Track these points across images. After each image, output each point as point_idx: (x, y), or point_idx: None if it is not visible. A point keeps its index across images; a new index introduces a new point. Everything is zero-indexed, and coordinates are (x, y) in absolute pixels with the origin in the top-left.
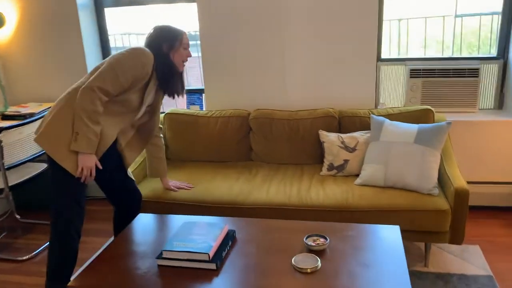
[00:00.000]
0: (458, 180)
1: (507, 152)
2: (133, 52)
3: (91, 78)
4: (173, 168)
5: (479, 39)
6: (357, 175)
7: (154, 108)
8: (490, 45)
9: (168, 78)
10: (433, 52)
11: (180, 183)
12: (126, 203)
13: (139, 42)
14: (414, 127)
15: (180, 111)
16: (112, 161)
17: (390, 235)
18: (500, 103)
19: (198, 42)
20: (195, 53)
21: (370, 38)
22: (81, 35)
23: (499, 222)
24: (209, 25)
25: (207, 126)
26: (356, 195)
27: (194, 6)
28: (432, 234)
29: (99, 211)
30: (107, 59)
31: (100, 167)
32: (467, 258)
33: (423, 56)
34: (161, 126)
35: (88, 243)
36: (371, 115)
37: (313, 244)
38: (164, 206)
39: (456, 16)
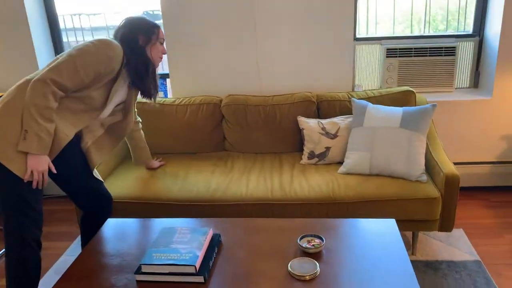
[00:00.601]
0: (448, 166)
1: (484, 131)
2: (99, 44)
3: (46, 69)
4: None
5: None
6: (339, 163)
7: (127, 107)
8: (465, 22)
9: (143, 75)
10: (403, 29)
11: (157, 161)
12: (94, 207)
13: (91, 23)
14: (398, 111)
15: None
16: (75, 161)
17: (386, 230)
18: (475, 82)
19: (160, 21)
20: None
21: (347, 16)
22: (26, 16)
23: (479, 203)
24: (173, 3)
25: (175, 115)
26: (341, 185)
27: None
28: (421, 223)
29: (58, 211)
30: (68, 49)
31: (54, 170)
32: (453, 243)
33: (398, 35)
34: (139, 119)
35: (48, 249)
36: (352, 99)
37: (308, 246)
38: (135, 207)
39: None
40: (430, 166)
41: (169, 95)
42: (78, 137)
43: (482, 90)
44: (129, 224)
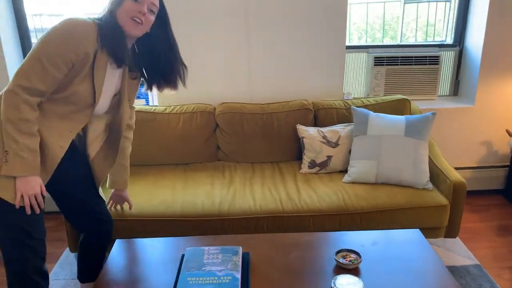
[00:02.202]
0: (453, 173)
1: (466, 137)
2: (61, 28)
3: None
4: (132, 176)
5: (431, 26)
6: (341, 172)
7: (121, 96)
8: (447, 33)
9: (115, 47)
10: (388, 39)
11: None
12: (94, 228)
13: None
14: (401, 119)
15: (136, 107)
16: (77, 172)
17: (414, 240)
18: (455, 90)
19: None
20: None
21: (339, 24)
22: None
23: (466, 207)
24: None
25: (167, 124)
26: (351, 195)
27: None
28: (429, 230)
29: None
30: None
31: (45, 193)
32: (450, 248)
33: (384, 43)
34: (133, 124)
35: None
36: (352, 107)
37: (346, 261)
38: (135, 225)
39: (405, 2)
40: (434, 174)
41: (152, 102)
42: (81, 142)
43: (462, 98)
44: (140, 244)
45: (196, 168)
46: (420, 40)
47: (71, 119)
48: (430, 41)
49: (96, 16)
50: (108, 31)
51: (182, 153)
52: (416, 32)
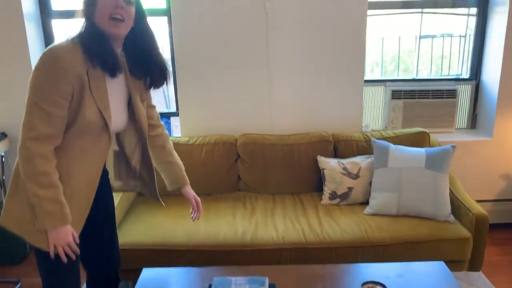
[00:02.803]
0: (475, 206)
1: (485, 170)
2: (42, 66)
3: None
4: (152, 207)
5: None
6: (361, 204)
7: (133, 105)
8: (463, 67)
9: (104, 57)
10: (402, 72)
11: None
12: (103, 265)
13: None
14: (421, 152)
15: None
16: (108, 214)
17: (439, 273)
18: (473, 123)
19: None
20: None
21: (358, 59)
22: (28, 48)
23: (487, 240)
24: (185, 41)
25: (190, 155)
26: (373, 227)
27: (163, 20)
28: (452, 263)
29: None
30: None
31: (77, 240)
32: (474, 282)
33: (401, 78)
34: (155, 123)
35: None
36: (372, 139)
37: None
38: (156, 255)
39: (421, 37)
40: (456, 206)
41: (174, 134)
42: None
43: (480, 131)
44: (166, 274)
45: (217, 198)
46: (433, 73)
47: (93, 151)
48: (446, 75)
49: (76, 33)
50: (91, 43)
51: (204, 184)
52: (431, 65)
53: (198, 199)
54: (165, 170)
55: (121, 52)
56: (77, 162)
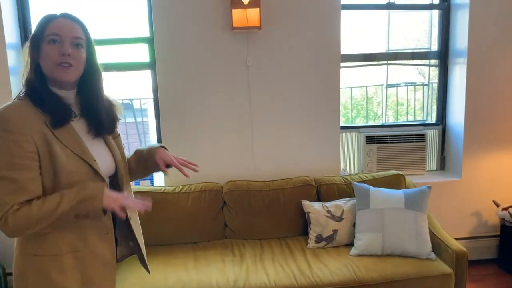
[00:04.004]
0: (454, 243)
1: (456, 209)
2: None
3: None
4: None
5: (410, 106)
6: (346, 245)
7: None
8: (427, 113)
9: (47, 101)
10: (370, 119)
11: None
12: None
13: None
14: (399, 193)
15: (144, 188)
16: None
17: None
18: (442, 165)
19: (145, 106)
20: (131, 117)
21: (334, 107)
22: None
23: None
24: (169, 91)
25: (177, 204)
26: (360, 267)
27: (146, 73)
28: None
29: None
30: None
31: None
32: None
33: (372, 124)
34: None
35: None
36: (353, 182)
37: None
38: None
39: (387, 86)
40: (435, 244)
41: (156, 183)
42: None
43: (450, 172)
44: None
45: (205, 246)
46: (400, 119)
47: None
48: (412, 120)
49: (21, 91)
50: (39, 90)
51: (191, 232)
52: (397, 112)
53: (179, 157)
54: (137, 160)
55: (76, 95)
56: (85, 222)
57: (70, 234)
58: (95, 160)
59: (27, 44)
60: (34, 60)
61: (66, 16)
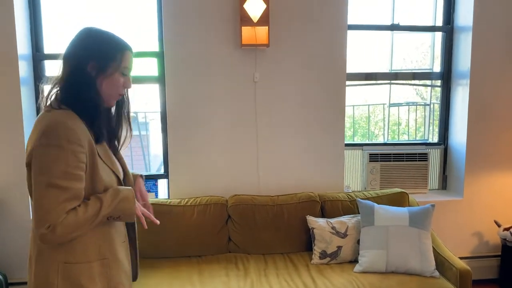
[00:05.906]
0: (458, 261)
1: (458, 229)
2: (51, 138)
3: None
4: (145, 269)
5: (412, 126)
6: (350, 262)
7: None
8: (429, 132)
9: (94, 118)
10: (372, 138)
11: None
12: None
13: None
14: (404, 210)
15: (150, 200)
16: None
17: None
18: (443, 184)
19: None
20: (135, 130)
21: (339, 125)
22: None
23: None
24: (177, 105)
25: (183, 216)
26: (365, 284)
27: (152, 87)
28: None
29: None
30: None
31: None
32: None
33: (376, 142)
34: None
35: None
36: (358, 199)
37: None
38: None
39: (390, 105)
40: (439, 262)
41: (161, 195)
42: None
43: (451, 192)
44: None
45: (209, 260)
46: (401, 138)
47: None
48: (414, 139)
49: (55, 99)
50: (90, 107)
51: (195, 245)
52: (398, 131)
53: (146, 195)
54: None
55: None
56: (112, 230)
57: (98, 242)
58: (120, 173)
59: (89, 59)
60: (95, 79)
61: (132, 51)
